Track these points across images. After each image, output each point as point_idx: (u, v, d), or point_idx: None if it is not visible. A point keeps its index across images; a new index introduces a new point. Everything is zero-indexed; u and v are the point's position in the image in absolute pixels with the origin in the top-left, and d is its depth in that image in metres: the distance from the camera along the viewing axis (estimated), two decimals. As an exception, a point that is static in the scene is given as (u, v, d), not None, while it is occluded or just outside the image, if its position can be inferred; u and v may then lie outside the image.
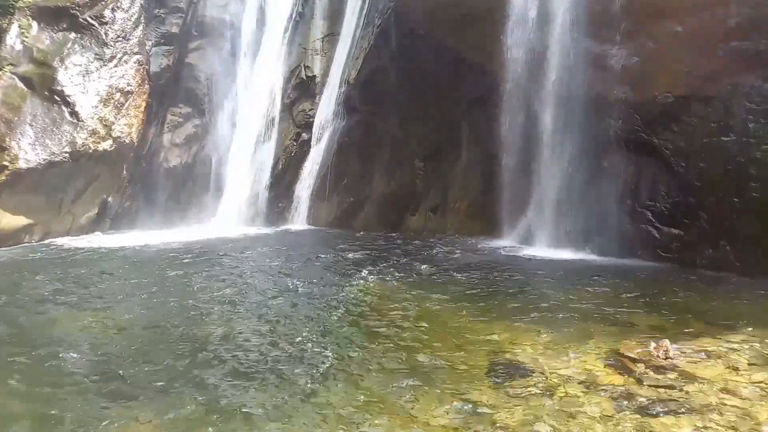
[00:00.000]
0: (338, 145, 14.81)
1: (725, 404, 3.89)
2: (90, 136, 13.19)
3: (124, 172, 14.18)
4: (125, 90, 13.97)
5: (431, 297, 7.18)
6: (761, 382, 4.21)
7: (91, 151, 13.18)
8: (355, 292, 7.53)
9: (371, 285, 7.89)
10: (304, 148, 15.37)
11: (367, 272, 8.66)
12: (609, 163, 9.95)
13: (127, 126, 14.02)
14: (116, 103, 13.85)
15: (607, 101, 9.92)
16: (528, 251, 10.45)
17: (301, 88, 15.74)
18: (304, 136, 15.41)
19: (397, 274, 8.51)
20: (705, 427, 3.59)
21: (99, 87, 13.53)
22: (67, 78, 13.05)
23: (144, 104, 14.47)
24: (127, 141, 13.96)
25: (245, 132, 15.53)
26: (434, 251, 10.68)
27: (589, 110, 10.10)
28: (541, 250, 10.39)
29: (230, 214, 14.74)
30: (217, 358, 5.21)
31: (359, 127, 14.72)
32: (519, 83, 11.46)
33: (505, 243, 11.22)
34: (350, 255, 10.18)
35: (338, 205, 14.67)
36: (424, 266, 9.11)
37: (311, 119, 15.38)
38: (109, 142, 13.55)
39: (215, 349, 5.42)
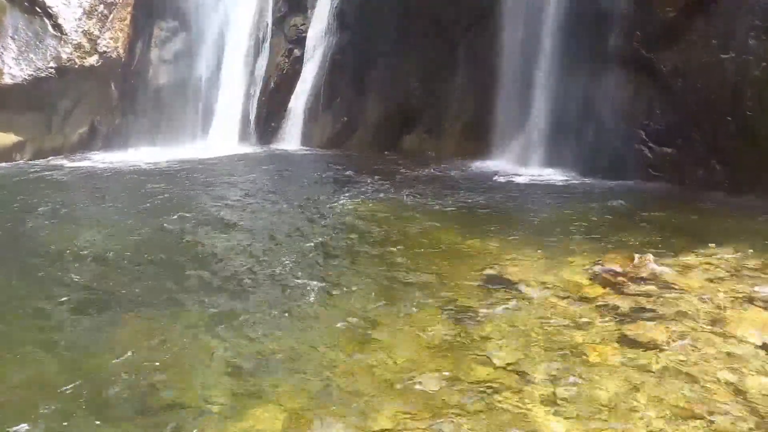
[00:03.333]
0: (331, 62, 14.43)
1: (699, 311, 4.08)
2: (75, 51, 12.78)
3: (113, 89, 13.86)
4: (108, 1, 13.39)
5: (424, 216, 7.29)
6: (735, 290, 4.41)
7: (77, 66, 12.81)
8: (347, 211, 7.62)
9: (364, 204, 7.98)
10: (297, 64, 14.96)
11: (360, 192, 8.73)
12: (606, 83, 9.81)
13: (113, 40, 13.55)
14: (100, 15, 13.31)
15: (609, 17, 9.64)
16: (522, 171, 10.50)
17: (292, 1, 15.12)
18: (297, 52, 14.95)
19: (390, 194, 8.59)
20: (679, 332, 3.79)
21: (81, -2, 12.96)
22: (48, -12, 12.47)
23: (129, 17, 13.91)
24: (114, 56, 13.54)
25: (235, 48, 15.05)
26: (428, 172, 10.72)
27: (590, 28, 9.82)
28: (534, 171, 10.44)
29: (222, 133, 14.57)
30: (206, 274, 5.31)
31: (353, 44, 14.30)
32: (519, 1, 11.08)
33: (499, 164, 11.24)
34: (343, 175, 10.22)
35: (332, 125, 14.51)
36: (418, 186, 9.18)
37: (303, 34, 14.87)
38: (96, 57, 13.14)
39: (204, 267, 5.51)
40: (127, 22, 13.77)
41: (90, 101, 13.30)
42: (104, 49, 13.28)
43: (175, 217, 7.17)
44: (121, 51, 13.74)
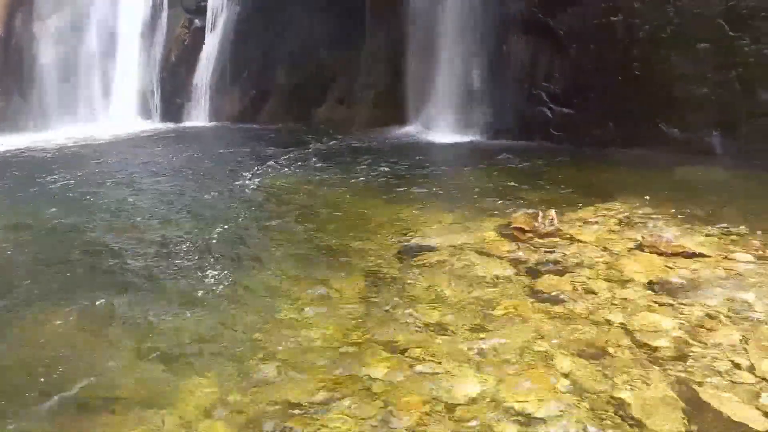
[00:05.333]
0: (236, 32, 13.93)
1: (598, 260, 4.44)
2: (-58, 26, 11.53)
3: (-9, 67, 12.69)
4: (-22, -30, 12.12)
5: (337, 187, 7.33)
6: (627, 239, 4.82)
7: (-54, 43, 11.59)
8: (259, 187, 7.51)
9: (275, 179, 7.90)
10: (198, 36, 14.32)
11: (270, 166, 8.61)
12: (509, 47, 10.15)
13: (-13, 13, 12.34)
14: (-31, -14, 12.04)
15: (508, -19, 9.93)
16: (432, 137, 10.74)
17: (189, -32, 14.38)
18: (197, 22, 14.30)
19: (304, 166, 8.54)
20: (579, 281, 4.11)
21: (-56, -34, 11.65)
22: None
23: (4, -13, 12.69)
24: (-11, 31, 12.35)
25: (129, 20, 14.16)
26: (341, 142, 10.72)
27: (490, -8, 10.09)
28: (445, 136, 10.70)
29: (121, 111, 13.80)
30: (118, 260, 5.10)
31: (257, 11, 13.85)
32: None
33: (411, 130, 11.43)
34: (255, 149, 10.01)
35: (240, 98, 14.10)
36: (330, 157, 9.19)
37: (203, 3, 14.23)
38: (-32, 32, 11.93)
39: (105, 259, 5.20)
40: (3, -8, 12.57)
41: (-34, 82, 12.13)
42: (-23, 23, 12.07)
43: (70, 205, 6.77)
44: (-2, 25, 12.56)
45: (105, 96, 13.79)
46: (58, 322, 3.97)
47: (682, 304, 3.72)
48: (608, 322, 3.55)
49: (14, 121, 12.85)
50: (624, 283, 4.07)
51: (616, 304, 3.77)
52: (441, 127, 11.00)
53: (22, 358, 3.58)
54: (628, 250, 4.62)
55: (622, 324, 3.52)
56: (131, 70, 13.85)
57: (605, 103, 8.94)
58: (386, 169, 8.26)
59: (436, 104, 11.26)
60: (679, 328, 3.43)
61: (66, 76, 13.75)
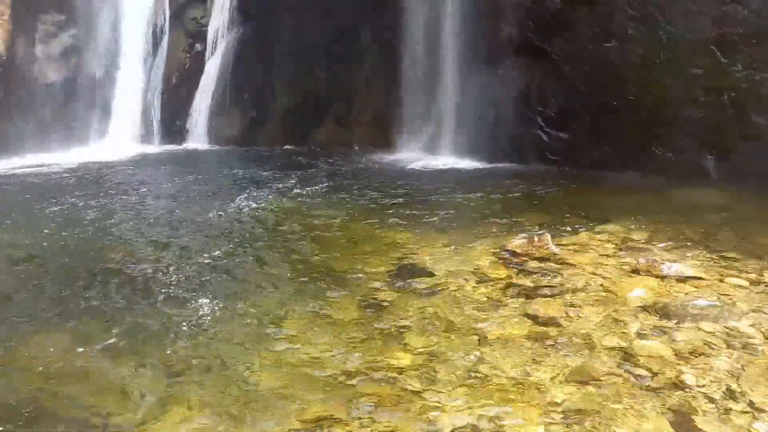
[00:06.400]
0: (235, 55, 14.11)
1: (593, 284, 4.45)
2: (-55, 50, 11.67)
3: (-6, 89, 12.80)
4: (-18, -5, 12.31)
5: (334, 209, 7.36)
6: (622, 262, 4.84)
7: (-51, 66, 11.71)
8: (256, 210, 7.54)
9: (276, 200, 7.93)
10: (199, 59, 14.50)
11: (271, 188, 8.66)
12: (504, 70, 10.29)
13: (-10, 37, 12.49)
14: (-27, 10, 12.22)
15: (503, 7, 10.09)
16: (430, 161, 10.81)
17: (190, -7, 14.60)
18: (198, 46, 14.49)
19: (301, 189, 8.58)
20: (574, 305, 4.11)
21: (-51, -9, 11.84)
22: None
23: (7, 11, 12.88)
24: (-8, 54, 12.49)
25: (131, 43, 14.34)
26: (339, 164, 10.79)
27: (486, 17, 10.25)
28: (442, 160, 10.79)
29: (121, 134, 13.89)
30: (116, 284, 5.09)
31: (257, 35, 14.04)
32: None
33: (408, 154, 11.51)
34: (253, 171, 10.07)
35: (240, 120, 14.22)
36: (327, 180, 9.23)
37: (204, 28, 14.43)
38: (-29, 56, 12.07)
39: (109, 279, 5.23)
40: (6, 17, 12.75)
41: (-33, 104, 12.23)
42: (-20, 46, 12.22)
43: (68, 227, 6.78)
44: (0, 48, 12.71)
45: (105, 119, 13.90)
46: (51, 347, 3.96)
47: (677, 328, 3.72)
48: (602, 347, 3.55)
49: (14, 144, 12.92)
50: (619, 307, 4.07)
51: (610, 329, 3.77)
52: (437, 151, 11.09)
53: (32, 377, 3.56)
54: (623, 274, 4.63)
55: (616, 349, 3.52)
56: (132, 93, 13.99)
57: (600, 126, 9.04)
58: (382, 192, 8.30)
59: (432, 128, 11.36)
60: (674, 354, 3.43)
61: (67, 99, 13.88)
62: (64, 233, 6.56)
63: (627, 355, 3.46)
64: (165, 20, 14.40)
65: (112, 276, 5.23)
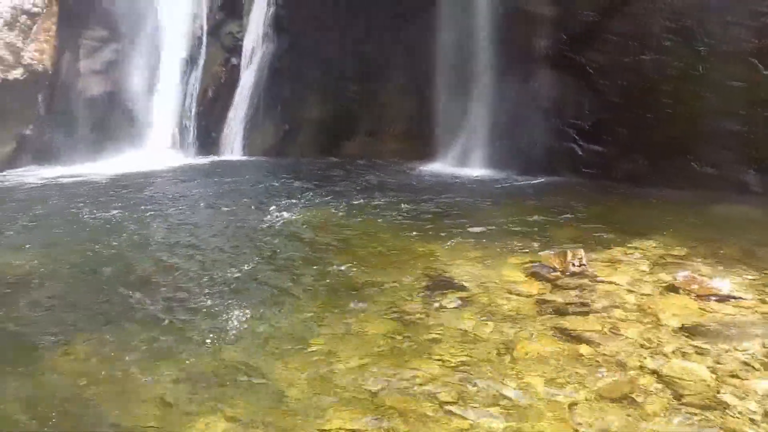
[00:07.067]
0: (270, 69, 14.34)
1: (627, 301, 4.37)
2: (-3, 64, 12.21)
3: (40, 102, 13.31)
4: (31, 12, 12.85)
5: (365, 221, 7.40)
6: (659, 280, 4.73)
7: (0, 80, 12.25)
8: (289, 221, 7.63)
9: (309, 211, 8.01)
10: (234, 73, 14.79)
11: (304, 199, 8.76)
12: (537, 83, 10.22)
13: (38, 52, 13.02)
14: (22, 26, 12.77)
15: (535, 19, 10.05)
16: (462, 172, 10.78)
17: (228, 8, 14.94)
18: (234, 60, 14.78)
19: (334, 199, 8.65)
20: (609, 323, 4.04)
21: (0, 9, 12.39)
22: (-38, -1, 11.86)
23: (54, 27, 13.39)
24: (39, 69, 13.01)
25: (170, 57, 14.73)
26: (370, 176, 10.83)
27: (518, 28, 10.22)
28: (474, 171, 10.73)
29: (159, 145, 14.24)
30: (153, 292, 5.22)
31: (290, 49, 14.27)
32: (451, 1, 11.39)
33: (440, 165, 11.49)
34: (285, 183, 10.20)
35: (273, 132, 14.42)
36: (359, 191, 9.28)
37: (240, 42, 14.72)
38: (20, 70, 12.60)
39: (150, 286, 5.39)
40: (52, 32, 13.26)
41: (16, 116, 12.74)
42: (29, 61, 12.74)
43: (111, 235, 6.98)
44: (47, 63, 13.22)
45: (144, 130, 14.28)
46: (83, 354, 4.08)
47: (717, 349, 3.62)
48: (638, 367, 3.48)
49: (57, 154, 13.38)
50: (655, 326, 3.99)
51: (646, 348, 3.69)
52: (470, 163, 11.04)
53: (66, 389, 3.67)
54: (660, 292, 4.54)
55: (652, 369, 3.44)
56: (170, 105, 14.35)
57: (635, 139, 8.89)
58: (414, 204, 8.30)
59: (465, 139, 11.33)
60: (713, 376, 3.34)
61: (108, 111, 14.32)
62: (101, 241, 6.75)
63: (663, 375, 3.38)
64: (203, 35, 14.76)
65: (146, 286, 5.36)
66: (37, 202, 9.14)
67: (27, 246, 6.67)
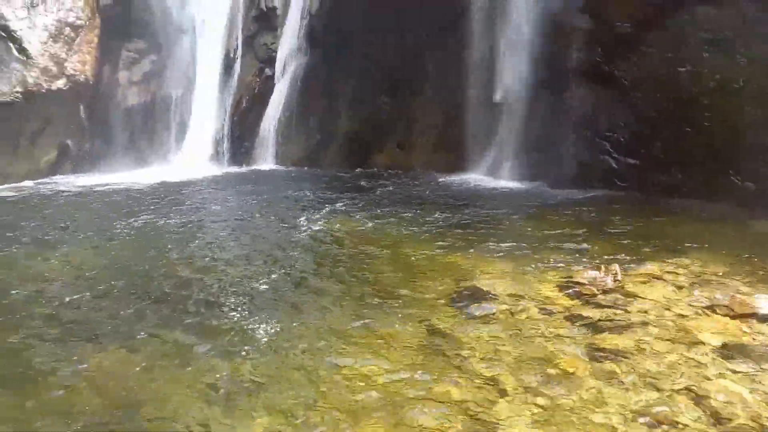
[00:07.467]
0: (302, 80, 14.55)
1: (664, 319, 4.25)
2: (42, 75, 12.65)
3: (82, 112, 13.73)
4: (75, 24, 13.31)
5: (397, 231, 7.40)
6: (697, 298, 4.60)
7: (44, 90, 12.68)
8: (322, 228, 7.69)
9: (339, 221, 8.06)
10: (268, 84, 15.03)
11: (333, 209, 8.82)
12: (570, 95, 10.11)
13: (81, 63, 13.45)
14: (66, 38, 13.22)
15: (569, 31, 9.96)
16: (493, 184, 10.71)
17: (262, 21, 15.20)
18: (268, 71, 15.02)
19: (364, 210, 8.69)
20: (644, 341, 3.94)
21: (46, 21, 12.86)
22: (10, 11, 12.34)
23: (96, 39, 13.84)
24: (81, 79, 13.44)
25: (206, 68, 15.05)
26: (400, 187, 10.86)
27: (550, 40, 10.15)
28: (505, 183, 10.66)
29: (194, 154, 14.53)
30: (185, 297, 5.32)
31: (323, 61, 14.45)
32: (483, 12, 11.38)
33: (470, 176, 11.45)
34: (316, 193, 10.29)
35: (305, 143, 14.59)
36: (390, 202, 9.30)
37: (274, 53, 14.96)
38: (63, 80, 13.03)
39: (182, 290, 5.50)
40: (95, 44, 13.69)
41: (58, 125, 13.16)
42: (72, 72, 13.17)
43: (149, 242, 7.15)
44: (89, 73, 13.65)
45: (180, 140, 14.62)
46: (139, 352, 4.17)
47: (758, 371, 3.50)
48: (675, 388, 3.38)
49: (97, 162, 13.79)
50: (693, 345, 3.87)
51: (684, 369, 3.59)
52: (501, 174, 10.97)
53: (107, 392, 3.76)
54: (699, 311, 4.41)
55: (690, 390, 3.34)
56: (205, 115, 14.65)
57: (672, 153, 8.70)
58: (444, 215, 8.28)
59: (496, 151, 11.27)
60: (755, 398, 3.22)
61: (145, 121, 14.72)
62: (137, 248, 6.91)
63: (701, 397, 3.28)
64: (238, 46, 15.07)
65: (181, 291, 5.46)
66: (76, 209, 9.42)
67: (64, 248, 6.87)
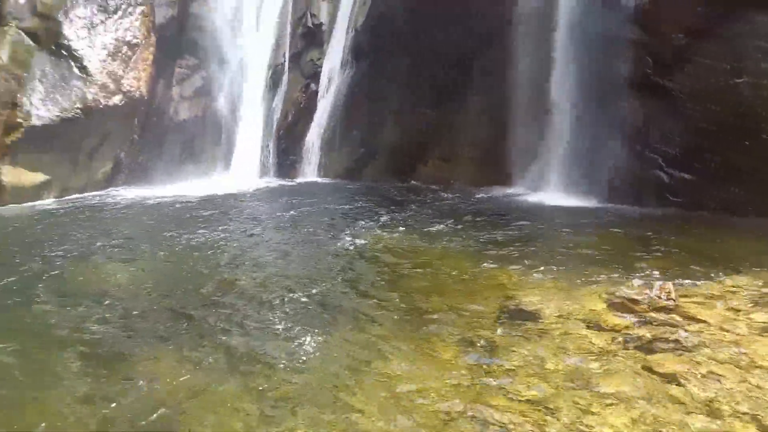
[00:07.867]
0: (347, 94, 14.73)
1: (722, 341, 4.04)
2: (100, 91, 13.23)
3: (136, 126, 14.28)
4: (132, 42, 13.89)
5: (442, 245, 7.34)
6: (759, 322, 4.35)
7: (102, 106, 13.24)
8: (367, 241, 7.70)
9: (383, 234, 8.06)
10: (313, 98, 15.30)
11: (378, 222, 8.83)
12: (619, 107, 9.85)
13: (136, 80, 14.01)
14: (123, 56, 13.80)
15: (618, 42, 9.74)
16: (538, 198, 10.52)
17: (308, 37, 15.53)
18: (313, 86, 15.30)
19: (408, 224, 8.66)
20: (700, 363, 3.75)
21: (105, 40, 13.46)
22: (73, 31, 12.98)
23: (151, 57, 14.40)
24: (137, 95, 13.98)
25: (254, 84, 15.47)
26: (445, 200, 10.79)
27: (600, 52, 9.94)
28: (551, 197, 10.44)
29: (242, 167, 14.89)
30: (224, 312, 5.36)
31: (368, 75, 14.60)
32: (530, 23, 11.26)
33: (515, 190, 11.28)
34: (361, 206, 10.34)
35: (349, 155, 14.72)
36: (434, 215, 9.24)
37: (319, 69, 15.24)
38: (119, 96, 13.59)
39: (221, 305, 5.54)
40: (150, 62, 14.25)
41: (114, 139, 13.72)
42: (128, 88, 13.73)
43: (200, 253, 7.32)
44: (143, 90, 14.20)
45: (229, 153, 15.04)
46: (185, 361, 4.25)
47: (827, 399, 3.28)
48: (734, 413, 3.20)
49: (149, 175, 14.28)
50: (754, 369, 3.66)
51: (744, 394, 3.39)
52: (547, 189, 10.75)
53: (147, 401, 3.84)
54: (758, 332, 4.17)
55: (752, 417, 3.15)
56: (253, 129, 15.03)
57: (729, 167, 8.34)
58: (489, 229, 8.16)
59: (542, 165, 11.07)
60: (824, 428, 3.01)
61: (196, 135, 15.20)
62: (185, 259, 7.09)
63: (764, 425, 3.09)
64: (284, 62, 15.43)
65: (225, 303, 5.55)
66: (128, 220, 9.76)
67: (117, 259, 7.11)
